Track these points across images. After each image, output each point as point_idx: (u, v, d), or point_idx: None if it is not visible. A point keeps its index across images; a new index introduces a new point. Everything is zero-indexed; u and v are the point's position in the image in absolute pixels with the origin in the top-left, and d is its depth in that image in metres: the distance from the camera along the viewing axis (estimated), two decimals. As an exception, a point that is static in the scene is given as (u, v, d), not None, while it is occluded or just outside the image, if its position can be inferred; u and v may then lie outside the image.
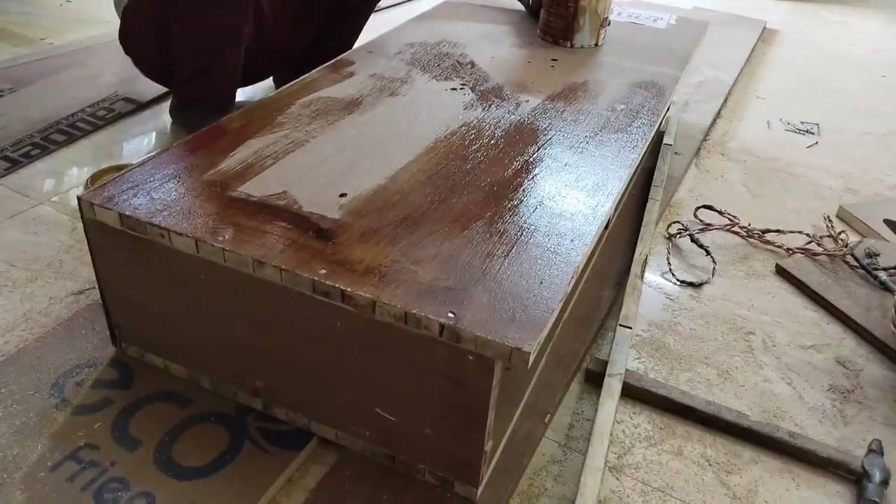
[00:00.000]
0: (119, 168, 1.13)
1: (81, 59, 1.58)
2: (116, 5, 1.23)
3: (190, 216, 0.70)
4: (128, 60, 1.28)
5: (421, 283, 0.64)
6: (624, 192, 0.96)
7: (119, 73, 1.49)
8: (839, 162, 1.45)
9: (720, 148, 1.47)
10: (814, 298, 1.04)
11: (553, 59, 1.21)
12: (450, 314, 0.60)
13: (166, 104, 1.38)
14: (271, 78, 1.50)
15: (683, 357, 0.92)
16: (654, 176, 1.26)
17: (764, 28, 2.18)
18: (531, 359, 0.58)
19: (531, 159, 0.88)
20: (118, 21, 1.24)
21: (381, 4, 1.59)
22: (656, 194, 1.20)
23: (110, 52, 1.55)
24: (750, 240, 1.16)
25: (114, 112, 1.37)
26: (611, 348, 0.88)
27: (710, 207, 1.20)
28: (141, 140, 1.33)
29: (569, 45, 1.26)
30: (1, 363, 0.81)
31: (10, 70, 1.51)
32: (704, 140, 1.49)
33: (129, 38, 1.25)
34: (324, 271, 0.64)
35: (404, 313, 0.61)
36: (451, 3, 1.47)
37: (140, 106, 1.41)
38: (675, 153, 1.38)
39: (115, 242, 0.74)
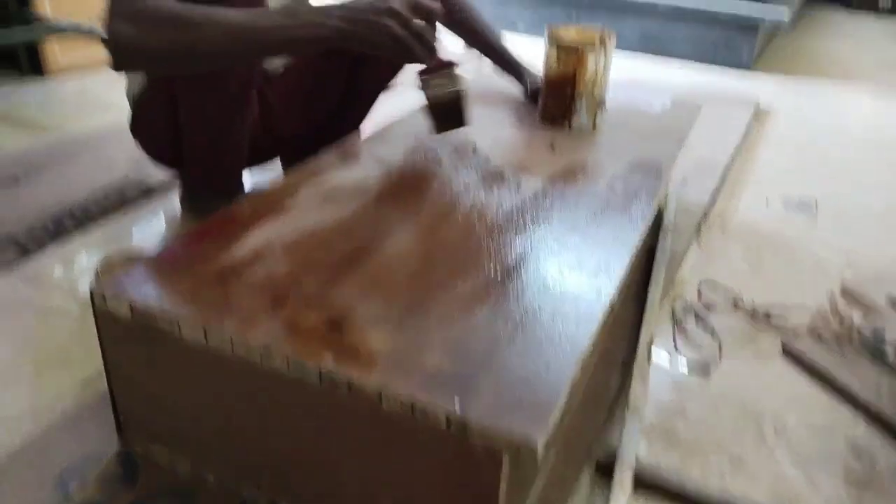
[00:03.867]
0: (129, 254, 1.15)
1: (95, 145, 1.63)
2: (127, 93, 1.28)
3: (199, 305, 0.71)
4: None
5: (427, 371, 0.64)
6: (627, 273, 0.96)
7: (131, 158, 1.53)
8: (840, 237, 1.46)
9: (720, 225, 1.49)
10: (823, 380, 1.03)
11: (552, 141, 1.24)
12: (456, 404, 0.60)
13: (177, 188, 1.41)
14: (279, 158, 1.53)
15: (694, 444, 0.91)
16: (656, 255, 1.27)
17: (757, 105, 2.24)
18: (540, 449, 0.57)
19: (534, 240, 0.90)
20: (129, 108, 1.29)
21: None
22: (659, 273, 1.21)
23: (123, 137, 1.59)
24: (754, 319, 1.16)
25: (125, 197, 1.40)
26: (620, 435, 0.87)
27: (712, 286, 1.21)
28: (151, 225, 1.35)
29: (567, 126, 1.29)
30: (5, 458, 0.80)
31: (26, 157, 1.55)
32: (704, 217, 1.51)
33: (139, 125, 1.29)
34: (330, 360, 0.65)
35: (411, 404, 0.61)
36: (454, 89, 1.51)
37: (150, 191, 1.44)
38: (676, 231, 1.39)
39: (125, 333, 0.74)
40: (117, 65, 0.89)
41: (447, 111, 1.07)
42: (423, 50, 0.93)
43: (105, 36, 0.88)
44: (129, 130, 1.30)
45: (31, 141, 1.67)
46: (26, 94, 1.99)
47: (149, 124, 1.27)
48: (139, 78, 1.23)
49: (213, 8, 0.91)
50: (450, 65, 1.03)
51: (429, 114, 1.09)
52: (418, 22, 0.92)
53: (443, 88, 1.05)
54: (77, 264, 1.22)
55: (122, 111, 1.65)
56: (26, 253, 1.22)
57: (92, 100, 1.97)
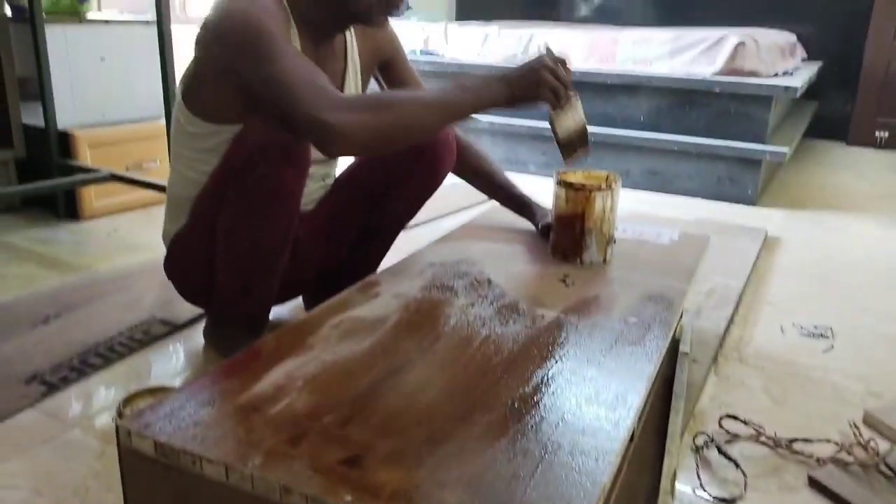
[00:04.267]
0: (150, 391, 1.17)
1: (124, 284, 1.69)
2: (164, 236, 1.35)
3: (221, 443, 0.72)
4: (167, 284, 1.38)
5: (447, 508, 0.64)
6: (645, 405, 0.97)
7: (158, 296, 1.58)
8: (858, 365, 1.46)
9: (737, 354, 1.49)
10: (853, 512, 1.00)
11: (565, 275, 1.28)
12: (477, 541, 0.60)
13: (200, 325, 1.45)
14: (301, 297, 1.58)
15: (724, 581, 0.87)
16: (674, 385, 1.27)
17: (766, 235, 2.30)
18: (562, 590, 0.56)
19: (550, 374, 0.91)
20: (162, 248, 1.35)
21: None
22: (678, 404, 1.20)
23: (151, 276, 1.66)
24: (778, 450, 1.14)
25: (150, 335, 1.44)
26: (646, 573, 0.85)
27: (733, 416, 1.20)
28: (174, 362, 1.38)
29: (578, 261, 1.34)
30: None
31: (57, 297, 1.61)
32: (720, 347, 1.51)
33: (174, 265, 1.35)
34: (349, 498, 0.65)
35: (431, 541, 0.60)
36: (469, 226, 1.58)
37: (175, 328, 1.48)
38: (693, 360, 1.40)
39: (148, 469, 0.75)
40: (338, 149, 1.02)
41: (575, 141, 1.21)
42: (566, 93, 1.13)
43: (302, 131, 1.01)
44: (158, 269, 1.36)
45: (64, 281, 1.74)
46: (61, 237, 2.09)
47: (183, 262, 1.33)
48: (179, 218, 1.30)
49: (404, 91, 1.19)
50: (572, 99, 1.17)
51: (560, 147, 1.22)
52: (560, 68, 1.11)
53: (571, 120, 1.18)
54: (99, 400, 1.24)
55: (150, 251, 1.73)
56: (52, 389, 1.24)
57: (122, 241, 2.07)
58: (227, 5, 1.12)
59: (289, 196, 1.17)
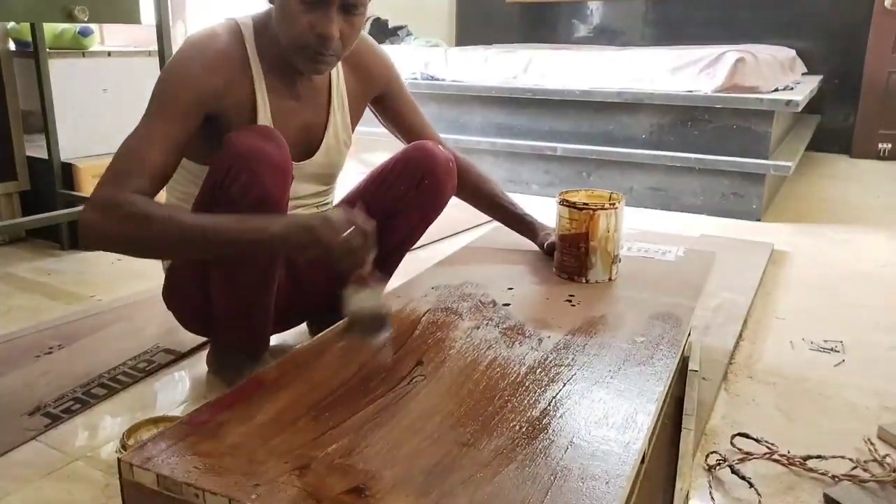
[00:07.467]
0: (154, 421, 1.16)
1: (127, 313, 1.68)
2: (163, 265, 1.35)
3: (224, 475, 0.71)
4: (170, 313, 1.37)
5: (455, 538, 0.63)
6: (655, 426, 0.95)
7: (162, 325, 1.58)
8: (871, 379, 1.43)
9: (747, 371, 1.47)
10: (872, 531, 0.98)
11: (570, 295, 1.27)
12: (486, 572, 0.58)
13: (204, 353, 1.44)
14: (305, 322, 1.57)
15: None
16: (685, 404, 1.25)
17: (772, 250, 2.28)
18: None
19: (557, 396, 0.90)
20: (163, 277, 1.35)
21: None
22: (689, 423, 1.18)
23: (155, 305, 1.65)
24: (792, 467, 1.12)
25: (154, 363, 1.43)
26: None
27: (746, 435, 1.18)
28: (179, 390, 1.37)
29: (584, 280, 1.33)
30: None
31: (60, 328, 1.61)
32: (730, 363, 1.49)
33: (172, 293, 1.34)
34: (356, 528, 0.64)
35: (439, 573, 0.59)
36: (472, 247, 1.58)
37: (179, 356, 1.47)
38: (703, 378, 1.38)
39: (152, 502, 0.74)
40: (83, 244, 1.01)
41: (367, 326, 1.03)
42: (352, 263, 1.01)
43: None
44: (160, 298, 1.36)
45: (68, 311, 1.73)
46: (65, 267, 2.09)
47: (181, 290, 1.32)
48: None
49: (178, 210, 1.04)
50: (376, 281, 1.04)
51: (350, 325, 1.06)
52: (353, 236, 0.99)
53: (364, 303, 1.03)
54: (102, 431, 1.22)
55: (152, 281, 1.72)
56: (55, 421, 1.23)
57: (125, 270, 2.06)
58: (181, 48, 1.16)
59: (274, 203, 1.15)
